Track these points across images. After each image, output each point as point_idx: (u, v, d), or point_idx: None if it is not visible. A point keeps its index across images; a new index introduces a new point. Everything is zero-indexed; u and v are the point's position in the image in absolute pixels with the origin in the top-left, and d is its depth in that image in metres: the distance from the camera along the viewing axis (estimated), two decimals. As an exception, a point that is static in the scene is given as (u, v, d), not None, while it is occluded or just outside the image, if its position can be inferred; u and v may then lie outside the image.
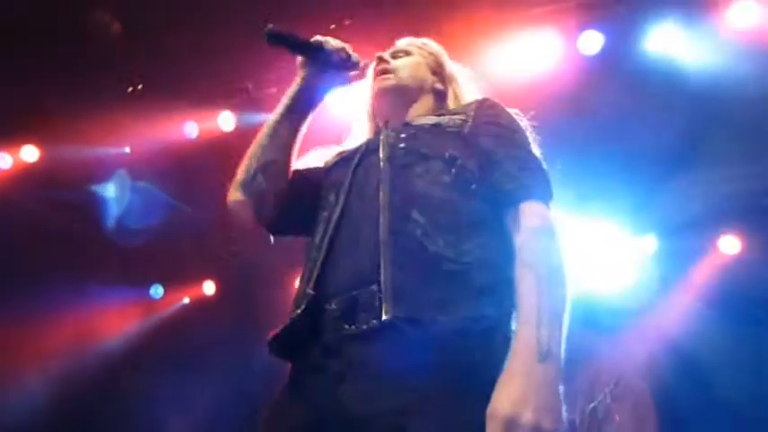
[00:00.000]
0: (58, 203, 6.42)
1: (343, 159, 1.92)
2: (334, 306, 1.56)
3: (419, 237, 1.55)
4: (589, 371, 6.24)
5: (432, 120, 1.85)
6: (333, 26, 4.58)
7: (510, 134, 1.77)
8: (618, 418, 4.73)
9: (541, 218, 1.57)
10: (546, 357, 1.32)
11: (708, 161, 4.91)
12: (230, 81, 5.74)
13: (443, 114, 1.89)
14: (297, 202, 1.92)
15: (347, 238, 1.66)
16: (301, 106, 1.99)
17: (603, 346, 6.31)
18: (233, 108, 5.79)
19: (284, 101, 1.97)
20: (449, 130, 1.77)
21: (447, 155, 1.71)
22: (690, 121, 4.75)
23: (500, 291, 1.51)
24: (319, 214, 1.81)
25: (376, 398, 1.42)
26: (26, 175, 6.21)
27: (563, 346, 1.38)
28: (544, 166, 1.74)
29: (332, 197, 1.79)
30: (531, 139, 1.82)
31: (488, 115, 1.81)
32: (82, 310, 6.20)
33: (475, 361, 1.41)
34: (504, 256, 1.56)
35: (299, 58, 1.95)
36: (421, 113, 1.97)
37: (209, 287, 7.07)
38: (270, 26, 1.86)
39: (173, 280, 7.00)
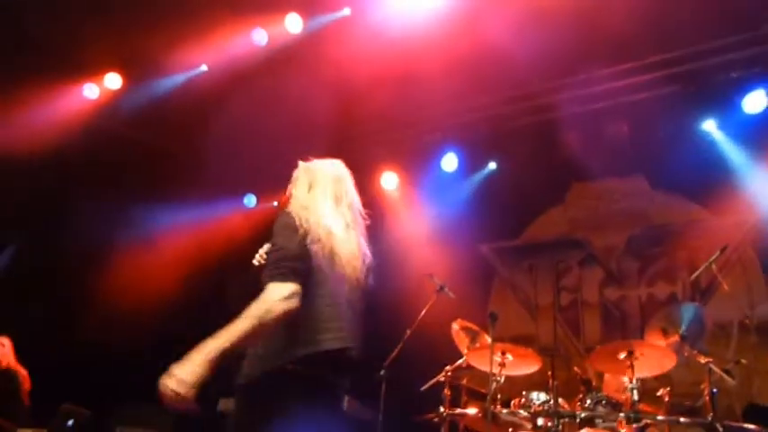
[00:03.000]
0: (146, 126, 6.69)
1: None
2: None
3: None
4: (690, 242, 6.14)
5: None
6: None
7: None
8: (726, 288, 4.63)
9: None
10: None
11: None
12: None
13: None
14: None
15: None
16: None
17: (705, 216, 6.18)
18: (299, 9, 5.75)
19: None
20: None
21: None
22: None
23: None
24: None
25: None
26: (113, 101, 6.46)
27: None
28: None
29: None
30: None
31: None
32: (191, 222, 6.71)
33: None
34: None
35: None
36: None
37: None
38: None
39: (261, 188, 7.35)
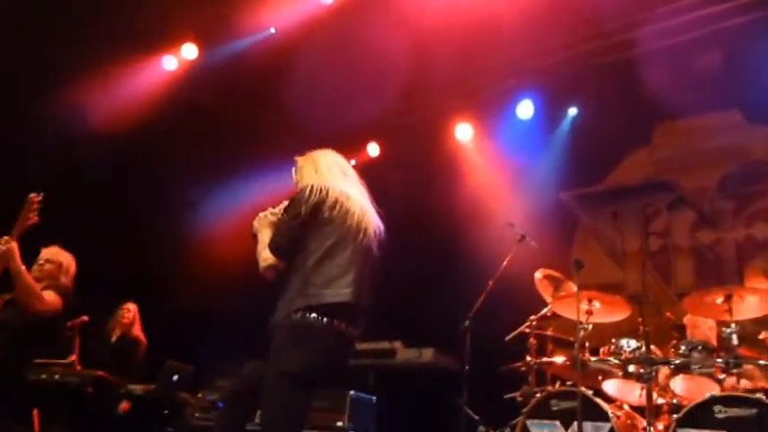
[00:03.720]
0: (224, 93, 6.81)
1: None
2: None
3: None
4: (743, 158, 5.74)
5: None
6: None
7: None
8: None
9: None
10: None
11: None
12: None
13: None
14: None
15: None
16: None
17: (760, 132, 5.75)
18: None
19: None
20: None
21: None
22: None
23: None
24: None
25: None
26: (191, 71, 6.63)
27: None
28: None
29: None
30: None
31: None
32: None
33: None
34: None
35: None
36: None
37: (373, 149, 7.43)
38: None
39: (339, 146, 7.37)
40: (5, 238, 3.59)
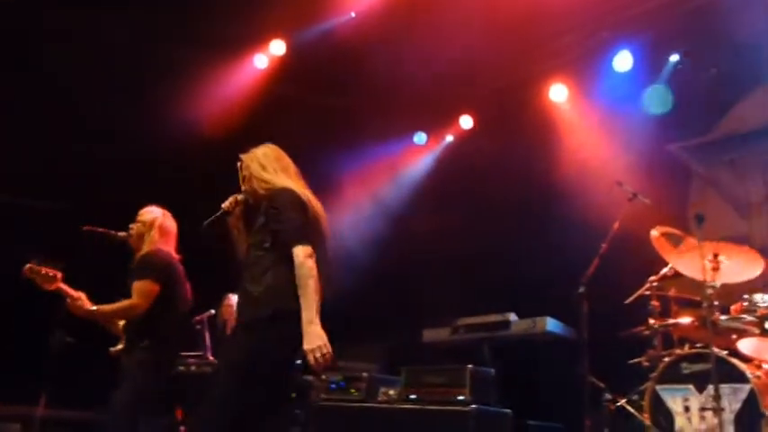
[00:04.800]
0: (314, 83, 6.93)
1: None
2: None
3: None
4: None
5: None
6: None
7: None
8: None
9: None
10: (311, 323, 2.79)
11: None
12: None
13: None
14: None
15: None
16: None
17: None
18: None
19: None
20: None
21: None
22: None
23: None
24: None
25: None
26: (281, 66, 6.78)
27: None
28: None
29: None
30: None
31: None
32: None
33: None
34: None
35: None
36: None
37: (466, 121, 7.30)
38: None
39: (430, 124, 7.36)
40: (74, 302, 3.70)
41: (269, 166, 3.17)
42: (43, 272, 3.69)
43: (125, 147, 6.15)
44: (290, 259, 2.88)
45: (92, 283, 3.80)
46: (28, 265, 3.69)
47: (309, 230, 2.97)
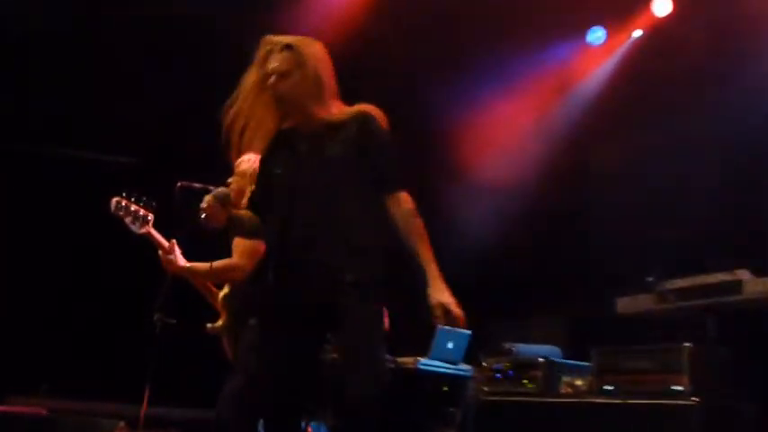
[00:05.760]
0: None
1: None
2: None
3: None
4: None
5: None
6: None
7: None
8: None
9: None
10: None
11: None
12: None
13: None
14: None
15: None
16: None
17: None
18: None
19: None
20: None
21: None
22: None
23: None
24: None
25: None
26: None
27: None
28: None
29: None
30: None
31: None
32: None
33: None
34: None
35: None
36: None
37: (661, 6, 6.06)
38: None
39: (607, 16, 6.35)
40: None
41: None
42: (133, 208, 3.48)
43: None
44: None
45: (185, 247, 3.59)
46: (115, 198, 3.47)
47: None
